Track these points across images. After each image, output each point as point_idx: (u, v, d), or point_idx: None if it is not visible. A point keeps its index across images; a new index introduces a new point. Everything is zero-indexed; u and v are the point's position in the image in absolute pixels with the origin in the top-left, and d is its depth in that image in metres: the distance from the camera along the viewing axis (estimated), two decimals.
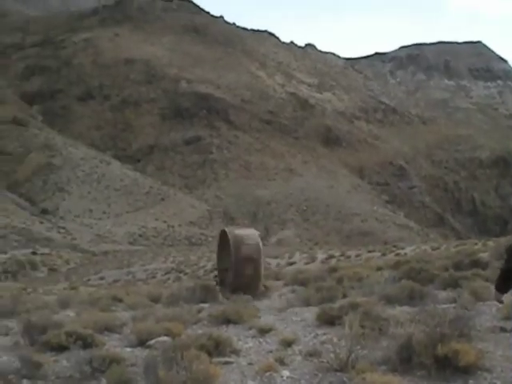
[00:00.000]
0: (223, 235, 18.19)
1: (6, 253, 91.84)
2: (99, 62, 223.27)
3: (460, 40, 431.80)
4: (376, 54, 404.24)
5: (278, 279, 24.66)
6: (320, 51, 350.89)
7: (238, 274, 16.99)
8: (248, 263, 16.87)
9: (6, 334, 13.62)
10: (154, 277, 58.99)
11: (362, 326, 9.64)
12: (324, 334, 11.09)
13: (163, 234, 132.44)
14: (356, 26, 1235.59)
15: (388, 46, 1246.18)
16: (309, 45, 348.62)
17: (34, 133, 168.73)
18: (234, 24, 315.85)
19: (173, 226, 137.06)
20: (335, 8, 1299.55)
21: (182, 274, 56.66)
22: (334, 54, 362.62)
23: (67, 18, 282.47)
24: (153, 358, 8.55)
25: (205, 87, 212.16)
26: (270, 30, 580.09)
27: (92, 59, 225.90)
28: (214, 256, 22.46)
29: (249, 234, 17.62)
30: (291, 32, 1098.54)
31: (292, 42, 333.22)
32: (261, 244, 17.52)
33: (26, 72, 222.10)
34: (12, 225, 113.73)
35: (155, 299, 19.14)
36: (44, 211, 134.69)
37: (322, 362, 8.96)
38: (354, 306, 11.76)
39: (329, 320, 11.76)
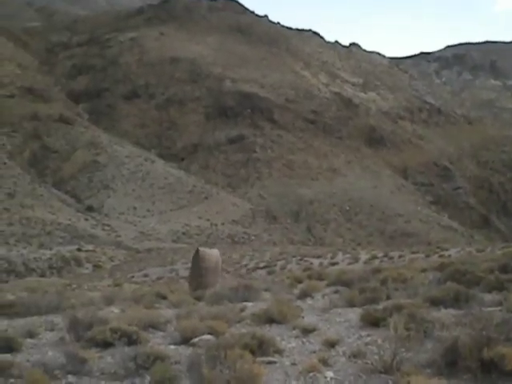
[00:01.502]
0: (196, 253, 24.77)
1: (51, 249, 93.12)
2: (145, 61, 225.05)
3: (507, 39, 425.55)
4: (421, 53, 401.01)
5: (320, 279, 24.55)
6: (365, 50, 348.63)
7: (202, 276, 23.71)
8: (208, 270, 23.79)
9: (52, 330, 13.83)
10: None
11: (407, 328, 9.59)
12: (368, 335, 11.05)
13: (206, 232, 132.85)
14: (401, 25, 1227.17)
15: (434, 45, 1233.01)
16: (353, 44, 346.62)
17: (80, 131, 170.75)
18: (278, 23, 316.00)
19: (216, 225, 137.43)
20: (380, 7, 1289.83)
21: (224, 272, 56.77)
22: (378, 54, 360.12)
23: (113, 17, 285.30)
24: (197, 356, 8.61)
25: (249, 86, 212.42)
26: (315, 29, 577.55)
27: (138, 58, 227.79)
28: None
29: (211, 252, 24.51)
30: (336, 31, 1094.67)
31: (336, 42, 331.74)
32: (219, 259, 24.52)
33: (73, 71, 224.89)
34: (57, 221, 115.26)
35: (198, 297, 19.23)
36: (89, 208, 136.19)
37: (367, 363, 8.94)
38: (398, 308, 11.70)
39: (373, 321, 11.72)
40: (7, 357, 10.77)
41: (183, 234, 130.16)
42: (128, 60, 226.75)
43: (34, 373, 9.19)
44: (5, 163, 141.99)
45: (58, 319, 14.81)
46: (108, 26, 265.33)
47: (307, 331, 11.64)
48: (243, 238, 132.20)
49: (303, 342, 10.97)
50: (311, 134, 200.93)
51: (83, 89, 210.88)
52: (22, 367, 9.95)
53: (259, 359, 9.15)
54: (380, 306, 12.75)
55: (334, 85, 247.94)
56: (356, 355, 9.48)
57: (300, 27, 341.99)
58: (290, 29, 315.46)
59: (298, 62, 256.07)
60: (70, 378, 9.54)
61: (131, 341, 11.27)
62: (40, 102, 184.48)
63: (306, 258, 56.59)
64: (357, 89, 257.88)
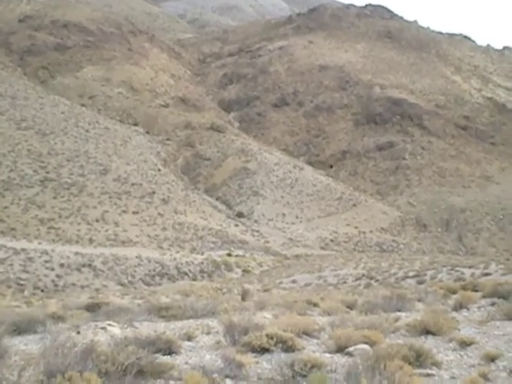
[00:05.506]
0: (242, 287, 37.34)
1: (202, 254, 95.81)
2: (294, 69, 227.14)
3: None
4: None
5: (475, 290, 23.86)
6: None
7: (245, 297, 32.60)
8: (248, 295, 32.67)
9: (208, 333, 14.17)
10: (344, 282, 59.08)
11: None
12: None
13: (354, 239, 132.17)
14: None
15: None
16: (506, 47, 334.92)
17: (231, 138, 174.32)
18: (428, 28, 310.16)
19: (364, 232, 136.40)
20: None
21: (372, 281, 56.34)
22: None
23: (263, 27, 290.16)
24: (355, 366, 8.58)
25: (398, 92, 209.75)
26: (465, 33, 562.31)
27: (287, 66, 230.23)
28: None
29: (249, 287, 36.40)
30: (487, 34, 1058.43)
31: (488, 45, 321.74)
32: (253, 289, 36.04)
33: (224, 80, 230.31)
34: (209, 227, 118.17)
35: (350, 305, 19.16)
36: (239, 214, 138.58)
37: None
38: None
39: None
40: (167, 359, 11.13)
41: (331, 241, 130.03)
42: (277, 68, 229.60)
43: (193, 375, 9.42)
44: (159, 170, 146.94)
45: (213, 323, 15.17)
46: (257, 36, 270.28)
47: (465, 344, 11.38)
48: (392, 246, 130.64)
49: (461, 355, 10.73)
50: (463, 141, 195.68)
51: (234, 97, 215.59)
52: (181, 369, 10.26)
53: (417, 371, 9.01)
54: None
55: (486, 89, 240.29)
56: None
57: (450, 31, 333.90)
58: (440, 33, 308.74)
59: (449, 66, 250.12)
60: (228, 382, 9.73)
61: (287, 347, 11.41)
62: (193, 111, 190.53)
63: (457, 268, 55.18)
64: (511, 93, 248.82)
